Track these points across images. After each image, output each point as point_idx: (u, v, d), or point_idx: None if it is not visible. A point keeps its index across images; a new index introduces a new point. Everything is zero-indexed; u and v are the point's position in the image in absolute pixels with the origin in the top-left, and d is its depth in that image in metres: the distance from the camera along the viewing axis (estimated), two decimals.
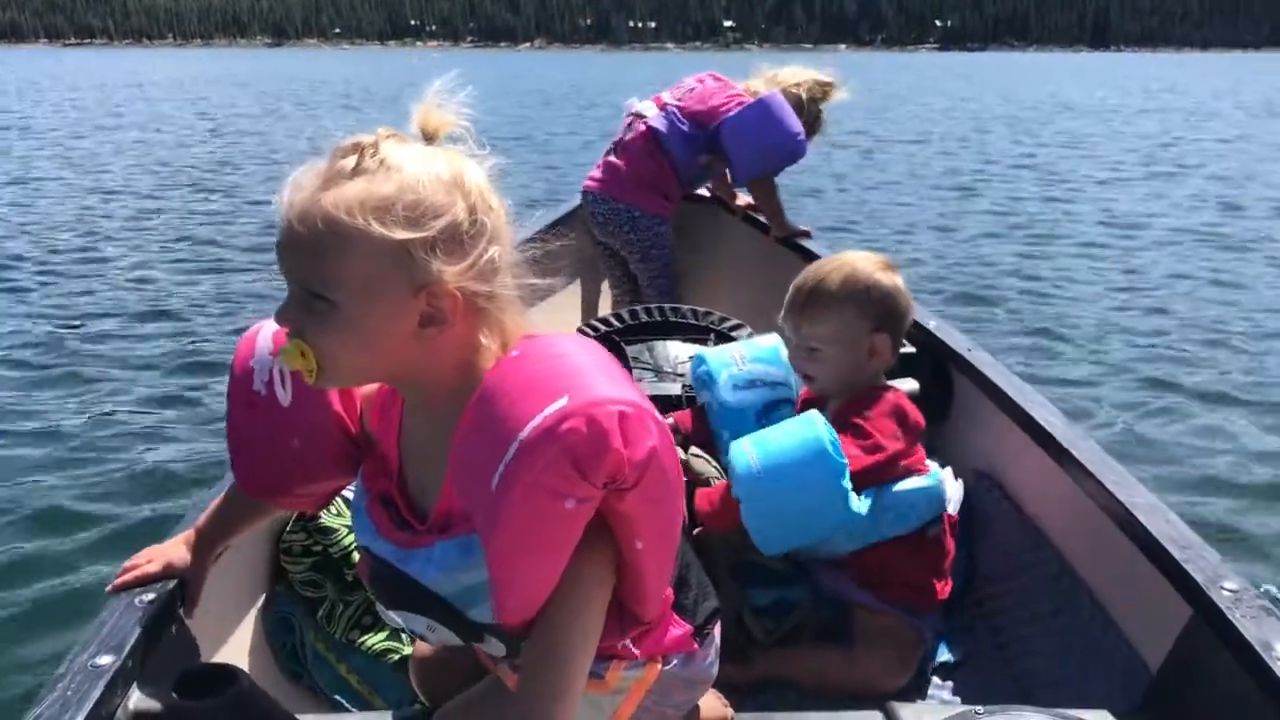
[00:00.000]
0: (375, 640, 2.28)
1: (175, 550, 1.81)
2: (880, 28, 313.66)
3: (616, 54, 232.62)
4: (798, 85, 4.20)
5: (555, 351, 1.27)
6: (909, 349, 2.92)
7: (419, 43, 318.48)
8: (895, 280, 2.31)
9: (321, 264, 1.25)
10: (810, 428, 2.08)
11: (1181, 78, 57.01)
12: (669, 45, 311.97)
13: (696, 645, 1.59)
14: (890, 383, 2.36)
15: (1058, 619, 2.23)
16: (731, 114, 4.06)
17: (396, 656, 2.25)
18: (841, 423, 2.18)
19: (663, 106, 4.22)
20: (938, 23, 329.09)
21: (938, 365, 2.92)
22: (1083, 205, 12.78)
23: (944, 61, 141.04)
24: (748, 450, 2.10)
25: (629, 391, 1.21)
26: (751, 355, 2.63)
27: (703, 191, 4.74)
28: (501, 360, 1.29)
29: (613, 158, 4.30)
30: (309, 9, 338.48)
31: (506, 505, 1.18)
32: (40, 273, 8.66)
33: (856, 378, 2.30)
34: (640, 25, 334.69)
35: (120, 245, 9.98)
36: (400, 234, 1.23)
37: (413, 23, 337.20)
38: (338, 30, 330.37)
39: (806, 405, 2.38)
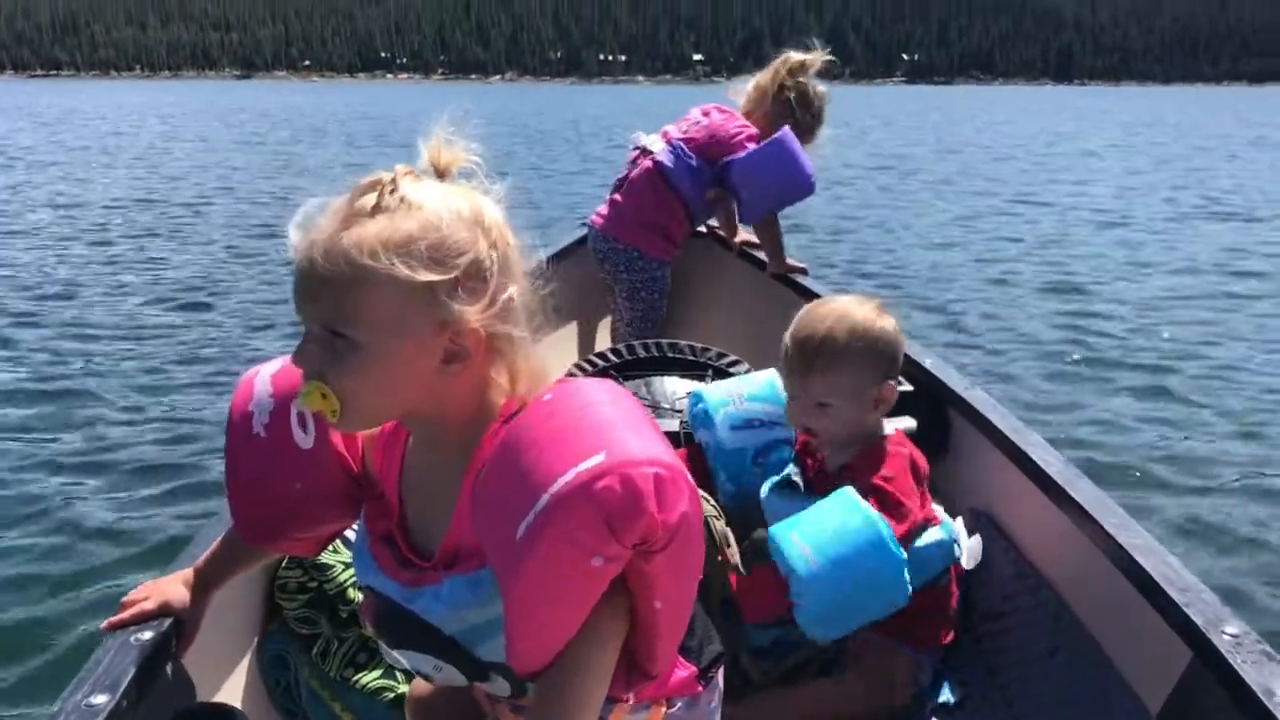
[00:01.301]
0: (370, 678, 2.25)
1: (173, 588, 1.79)
2: (848, 61, 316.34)
3: (587, 87, 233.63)
4: (782, 88, 4.13)
5: (589, 400, 1.26)
6: (906, 387, 2.92)
7: (389, 75, 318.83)
8: (894, 323, 2.28)
9: (345, 304, 1.23)
10: (861, 516, 2.03)
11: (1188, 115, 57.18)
12: (639, 78, 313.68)
13: (700, 688, 1.58)
14: (888, 422, 2.35)
15: (1055, 660, 2.21)
16: (741, 154, 4.02)
17: (392, 695, 2.22)
18: (865, 488, 2.13)
19: (670, 141, 4.16)
20: (904, 56, 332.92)
21: (935, 403, 2.91)
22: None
23: (912, 94, 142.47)
24: (801, 547, 2.02)
25: (663, 451, 1.20)
26: (749, 393, 2.60)
27: (700, 227, 4.73)
28: (532, 404, 1.28)
29: (618, 195, 4.25)
30: (278, 41, 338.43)
31: (532, 556, 1.16)
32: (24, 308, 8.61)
33: (862, 428, 2.28)
34: (610, 59, 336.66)
35: (106, 273, 10.00)
36: (425, 275, 1.22)
37: (383, 55, 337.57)
38: (307, 63, 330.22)
39: (805, 449, 2.38)
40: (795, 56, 4.17)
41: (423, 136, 1.34)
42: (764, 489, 2.38)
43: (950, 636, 2.26)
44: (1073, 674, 2.15)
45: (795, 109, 4.13)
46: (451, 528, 1.35)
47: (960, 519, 2.35)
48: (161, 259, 10.93)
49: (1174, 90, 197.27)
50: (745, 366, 2.96)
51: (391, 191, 1.25)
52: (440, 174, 1.33)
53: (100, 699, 1.53)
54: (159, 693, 1.69)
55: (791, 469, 2.39)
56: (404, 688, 2.21)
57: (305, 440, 1.54)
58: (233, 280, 9.89)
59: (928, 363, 3.07)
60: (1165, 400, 6.40)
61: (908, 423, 2.58)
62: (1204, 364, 7.15)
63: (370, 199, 1.25)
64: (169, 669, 1.75)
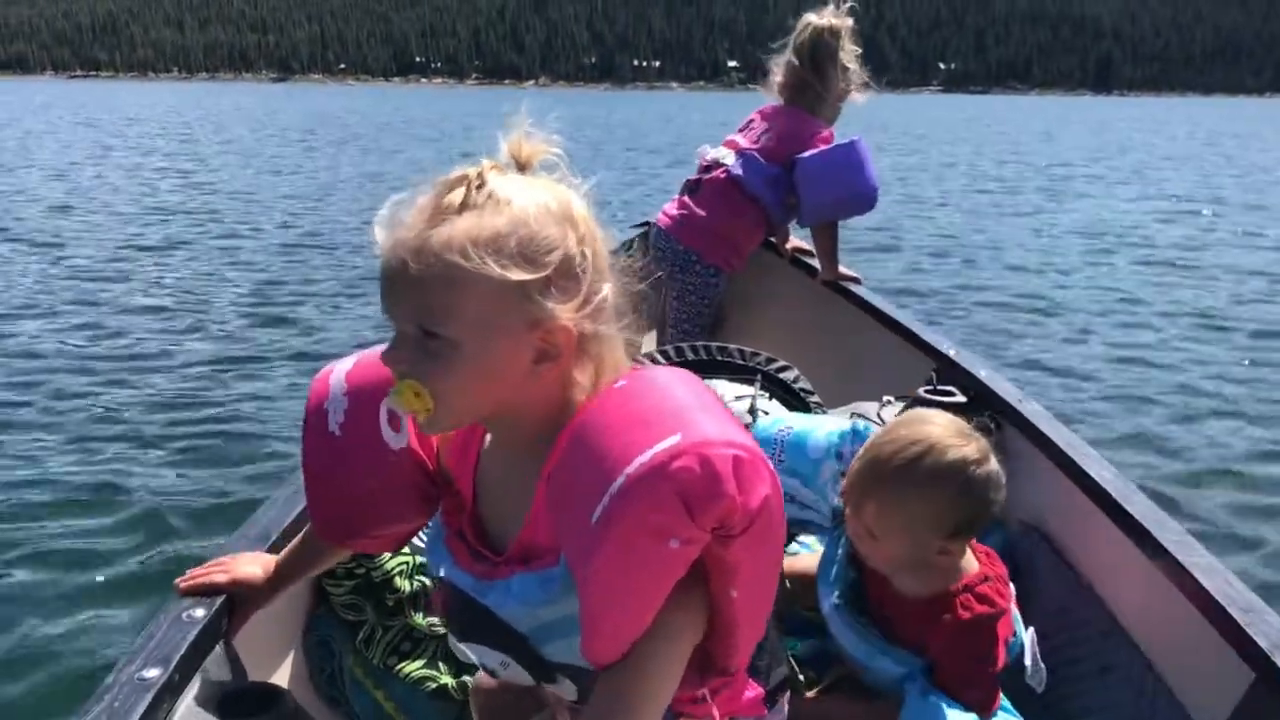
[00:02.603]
0: (413, 668, 2.25)
1: (247, 569, 1.81)
2: (884, 70, 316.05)
3: (620, 93, 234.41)
4: (817, 61, 3.97)
5: (663, 384, 1.24)
6: (959, 398, 2.89)
7: (423, 79, 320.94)
8: (992, 470, 1.88)
9: (437, 304, 1.21)
10: None
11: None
12: (673, 85, 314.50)
13: (766, 710, 1.54)
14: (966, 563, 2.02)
15: (1106, 680, 2.16)
16: (810, 153, 3.93)
17: (434, 685, 2.22)
18: (948, 680, 1.90)
19: (740, 151, 4.09)
20: (941, 65, 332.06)
21: (988, 415, 2.84)
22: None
23: (949, 103, 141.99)
24: None
25: (742, 435, 1.17)
26: (791, 461, 2.27)
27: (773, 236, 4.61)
28: (606, 390, 1.27)
29: (689, 199, 4.16)
30: (314, 44, 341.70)
31: (607, 540, 1.13)
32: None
33: (928, 569, 1.96)
34: (644, 64, 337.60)
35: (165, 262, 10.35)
36: (517, 274, 1.20)
37: (418, 60, 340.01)
38: (343, 66, 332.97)
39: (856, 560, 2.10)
40: (818, 22, 3.97)
41: (503, 131, 1.31)
42: (825, 604, 2.12)
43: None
44: (1124, 694, 2.09)
45: (835, 78, 3.99)
46: (526, 524, 1.33)
47: (1031, 630, 2.09)
48: (241, 255, 11.23)
49: (1215, 101, 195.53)
50: (794, 373, 2.91)
51: (479, 187, 1.22)
52: (521, 167, 1.30)
53: (153, 672, 1.55)
54: (209, 670, 1.72)
55: (846, 570, 2.11)
56: (445, 679, 2.23)
57: (386, 437, 1.53)
58: (311, 277, 10.08)
59: (982, 374, 3.03)
60: (1231, 419, 6.28)
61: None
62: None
63: (457, 195, 1.22)
64: (220, 647, 1.77)
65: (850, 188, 3.95)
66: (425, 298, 1.21)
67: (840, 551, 2.10)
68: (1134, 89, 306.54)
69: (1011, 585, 2.03)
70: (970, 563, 1.97)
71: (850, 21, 3.99)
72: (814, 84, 3.99)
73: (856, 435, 2.13)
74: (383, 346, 1.33)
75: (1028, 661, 2.01)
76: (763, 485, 1.15)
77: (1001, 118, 70.31)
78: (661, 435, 1.14)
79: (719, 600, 1.25)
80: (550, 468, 1.26)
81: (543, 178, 1.30)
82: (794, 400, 2.84)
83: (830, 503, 2.15)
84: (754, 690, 1.50)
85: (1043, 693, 2.14)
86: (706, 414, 1.18)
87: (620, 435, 1.17)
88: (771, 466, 1.19)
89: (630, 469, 1.12)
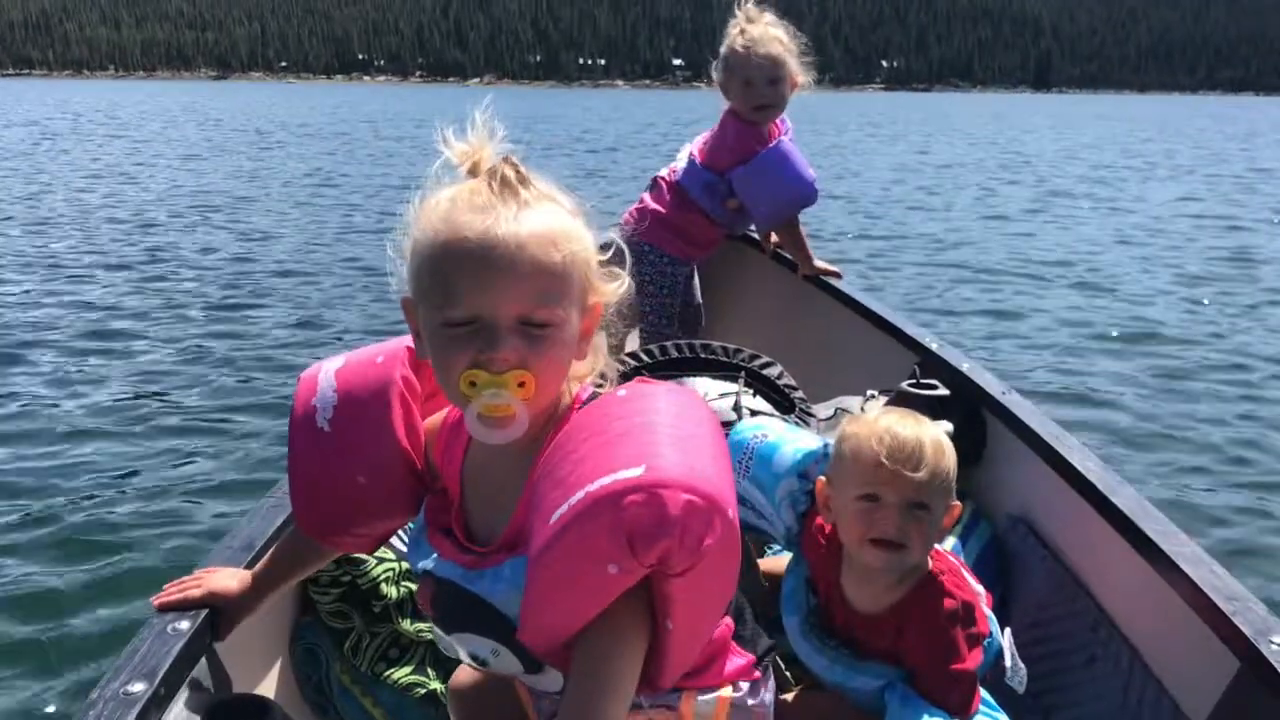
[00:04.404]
0: (401, 674, 2.26)
1: (223, 581, 1.81)
2: (828, 68, 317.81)
3: (566, 90, 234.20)
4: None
5: (655, 407, 1.28)
6: (943, 391, 2.91)
7: (366, 77, 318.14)
8: (904, 435, 1.88)
9: (550, 290, 1.26)
10: None
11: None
12: (619, 82, 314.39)
13: (759, 675, 1.61)
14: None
15: (1093, 670, 2.17)
16: (739, 168, 3.92)
17: (422, 691, 2.23)
18: (927, 686, 1.87)
19: (691, 154, 4.11)
20: (884, 63, 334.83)
21: (971, 408, 2.88)
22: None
23: (892, 101, 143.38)
24: None
25: (711, 478, 1.20)
26: (756, 470, 2.20)
27: (743, 232, 4.62)
28: (606, 395, 1.34)
29: (649, 195, 4.19)
30: (254, 41, 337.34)
31: (556, 546, 1.19)
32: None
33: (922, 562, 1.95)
34: (590, 62, 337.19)
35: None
36: (594, 253, 1.33)
37: (360, 57, 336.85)
38: (284, 64, 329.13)
39: (821, 574, 2.05)
40: (734, 37, 3.84)
41: (455, 135, 1.36)
42: (791, 632, 2.07)
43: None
44: (1112, 684, 2.10)
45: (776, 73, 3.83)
46: (516, 512, 1.36)
47: (1009, 630, 2.05)
48: (222, 248, 11.34)
49: (1151, 99, 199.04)
50: (778, 369, 2.87)
51: (524, 180, 1.29)
52: (471, 173, 1.34)
53: (138, 687, 1.55)
54: (195, 682, 1.72)
55: (806, 597, 2.08)
56: (434, 684, 2.24)
57: (376, 434, 1.55)
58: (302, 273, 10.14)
59: (964, 367, 3.04)
60: (1206, 407, 6.35)
61: (945, 426, 2.49)
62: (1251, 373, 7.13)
63: (514, 187, 1.28)
64: (205, 660, 1.77)
65: (786, 189, 3.97)
66: (537, 286, 1.25)
67: (797, 580, 2.10)
68: (1072, 86, 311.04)
69: (984, 590, 2.01)
70: (923, 564, 1.95)
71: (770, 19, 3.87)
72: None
73: (827, 456, 2.08)
74: (376, 346, 1.45)
75: (1007, 663, 2.00)
76: (711, 533, 1.17)
77: (951, 114, 70.95)
78: (628, 462, 1.18)
79: (656, 624, 1.28)
80: (541, 458, 1.32)
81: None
82: (778, 397, 2.81)
83: (783, 520, 2.13)
84: (743, 657, 1.58)
85: (1029, 684, 2.13)
86: (681, 449, 1.21)
87: (597, 447, 1.22)
88: (730, 516, 1.20)
89: (592, 487, 1.17)
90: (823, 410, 3.01)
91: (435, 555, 1.45)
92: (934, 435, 1.90)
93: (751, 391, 2.75)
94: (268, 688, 2.15)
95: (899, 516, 1.84)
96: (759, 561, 2.41)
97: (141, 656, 1.62)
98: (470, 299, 1.24)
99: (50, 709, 3.24)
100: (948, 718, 1.84)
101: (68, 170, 20.17)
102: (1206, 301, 9.26)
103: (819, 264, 4.29)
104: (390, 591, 2.29)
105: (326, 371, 1.60)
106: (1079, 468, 2.34)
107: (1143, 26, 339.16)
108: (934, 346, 3.28)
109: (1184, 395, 6.54)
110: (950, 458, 1.90)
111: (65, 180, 18.31)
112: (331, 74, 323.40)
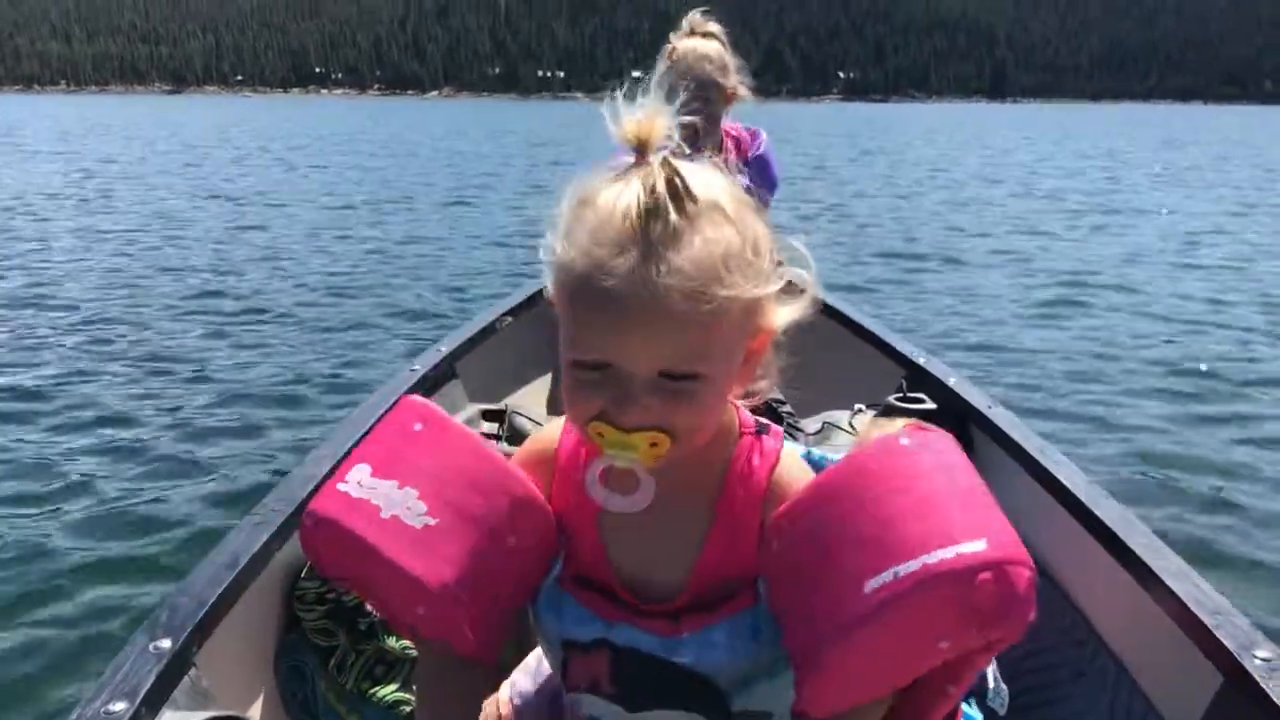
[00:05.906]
0: (387, 691, 2.22)
1: None
2: (785, 79, 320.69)
3: (525, 103, 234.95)
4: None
5: (955, 463, 1.14)
6: (930, 405, 2.97)
7: (324, 90, 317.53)
8: None
9: (698, 341, 1.04)
10: None
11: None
12: (578, 95, 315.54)
13: None
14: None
15: (1080, 685, 2.16)
16: None
17: (408, 709, 2.19)
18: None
19: None
20: (840, 74, 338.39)
21: (958, 423, 2.89)
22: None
23: (851, 111, 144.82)
24: None
25: (1018, 539, 1.09)
26: None
27: None
28: (889, 442, 1.14)
29: None
30: (209, 55, 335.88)
31: (881, 617, 1.05)
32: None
33: None
34: (549, 74, 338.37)
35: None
36: (765, 286, 1.08)
37: (318, 70, 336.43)
38: (240, 77, 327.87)
39: None
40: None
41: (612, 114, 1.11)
42: None
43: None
44: (1098, 699, 2.10)
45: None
46: (701, 562, 1.21)
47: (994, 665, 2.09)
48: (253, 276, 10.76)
49: (1104, 107, 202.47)
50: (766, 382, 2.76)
51: (687, 194, 1.03)
52: (640, 151, 1.09)
53: (119, 706, 1.53)
54: (177, 701, 1.69)
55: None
56: None
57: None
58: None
59: (951, 381, 3.09)
60: (1192, 418, 6.26)
61: None
62: (1238, 383, 7.04)
63: (669, 211, 1.02)
64: (188, 678, 1.74)
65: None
66: (683, 340, 1.04)
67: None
68: (1026, 95, 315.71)
69: None
70: None
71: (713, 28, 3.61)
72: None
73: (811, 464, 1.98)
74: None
75: (990, 683, 1.98)
76: (1035, 606, 1.07)
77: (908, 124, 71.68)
78: (967, 533, 1.05)
79: (934, 689, 1.18)
80: (728, 499, 1.19)
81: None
82: (765, 410, 2.70)
83: None
84: None
85: (1016, 699, 2.13)
86: (999, 514, 1.10)
87: (916, 510, 1.07)
88: None
89: (930, 559, 1.04)
90: (810, 424, 3.01)
91: (604, 621, 1.24)
92: None
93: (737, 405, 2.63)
94: (252, 707, 2.12)
95: None
96: None
97: (124, 675, 1.60)
98: (603, 347, 1.05)
99: None
100: None
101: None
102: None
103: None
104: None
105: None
106: (1064, 481, 2.35)
107: (1095, 36, 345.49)
108: (921, 361, 3.33)
109: (1170, 406, 6.48)
110: None
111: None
112: (288, 87, 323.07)
